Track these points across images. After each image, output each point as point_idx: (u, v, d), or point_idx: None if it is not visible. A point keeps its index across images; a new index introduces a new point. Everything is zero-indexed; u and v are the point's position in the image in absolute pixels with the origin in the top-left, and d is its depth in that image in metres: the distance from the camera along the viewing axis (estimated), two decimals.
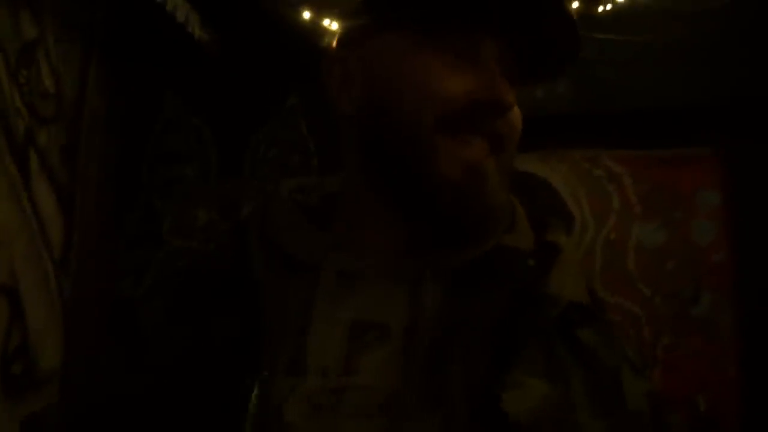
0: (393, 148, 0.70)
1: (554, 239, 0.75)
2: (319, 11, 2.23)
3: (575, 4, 2.03)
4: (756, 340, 2.55)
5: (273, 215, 0.78)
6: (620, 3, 2.04)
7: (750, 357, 2.56)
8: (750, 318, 2.57)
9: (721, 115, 2.59)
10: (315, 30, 2.25)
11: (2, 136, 1.74)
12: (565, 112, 2.63)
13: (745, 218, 2.63)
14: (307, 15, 2.30)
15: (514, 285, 0.70)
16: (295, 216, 0.76)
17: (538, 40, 0.69)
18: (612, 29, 2.23)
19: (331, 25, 2.23)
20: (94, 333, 2.05)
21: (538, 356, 0.66)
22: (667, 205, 2.72)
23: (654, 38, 2.37)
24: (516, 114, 0.71)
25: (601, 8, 2.07)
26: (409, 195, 0.70)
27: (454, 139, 0.67)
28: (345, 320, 0.69)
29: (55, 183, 1.96)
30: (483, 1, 0.67)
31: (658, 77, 2.59)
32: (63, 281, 1.99)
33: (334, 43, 0.77)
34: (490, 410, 0.63)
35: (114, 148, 2.55)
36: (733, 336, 2.59)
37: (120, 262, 2.58)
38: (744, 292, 2.60)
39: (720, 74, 2.55)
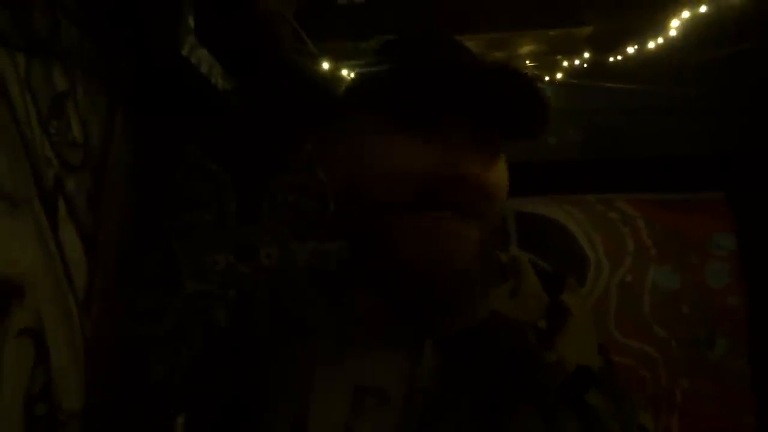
0: (359, 224, 0.72)
1: (566, 301, 0.75)
2: (338, 62, 2.31)
3: (586, 55, 2.10)
4: None
5: (284, 281, 0.79)
6: (630, 54, 2.10)
7: (766, 402, 2.54)
8: (764, 362, 2.56)
9: (731, 161, 2.63)
10: (333, 79, 2.32)
11: (33, 183, 1.79)
12: (577, 157, 2.68)
13: (758, 262, 2.64)
14: (326, 66, 2.38)
15: (511, 354, 0.70)
16: (304, 282, 0.77)
17: (507, 115, 0.69)
18: (622, 79, 2.28)
19: (349, 75, 2.31)
20: (112, 375, 2.07)
21: (538, 424, 0.66)
22: (681, 248, 2.73)
23: (664, 87, 2.42)
24: (490, 182, 0.70)
25: (611, 58, 2.13)
26: (376, 273, 0.71)
27: (422, 217, 0.68)
28: (347, 386, 0.69)
29: (81, 228, 2.01)
30: (450, 89, 0.67)
31: (667, 125, 2.63)
32: (85, 323, 2.02)
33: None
34: None
35: (136, 195, 2.61)
36: (748, 380, 2.58)
37: (138, 304, 2.61)
38: (758, 337, 2.59)
39: (728, 121, 2.60)
